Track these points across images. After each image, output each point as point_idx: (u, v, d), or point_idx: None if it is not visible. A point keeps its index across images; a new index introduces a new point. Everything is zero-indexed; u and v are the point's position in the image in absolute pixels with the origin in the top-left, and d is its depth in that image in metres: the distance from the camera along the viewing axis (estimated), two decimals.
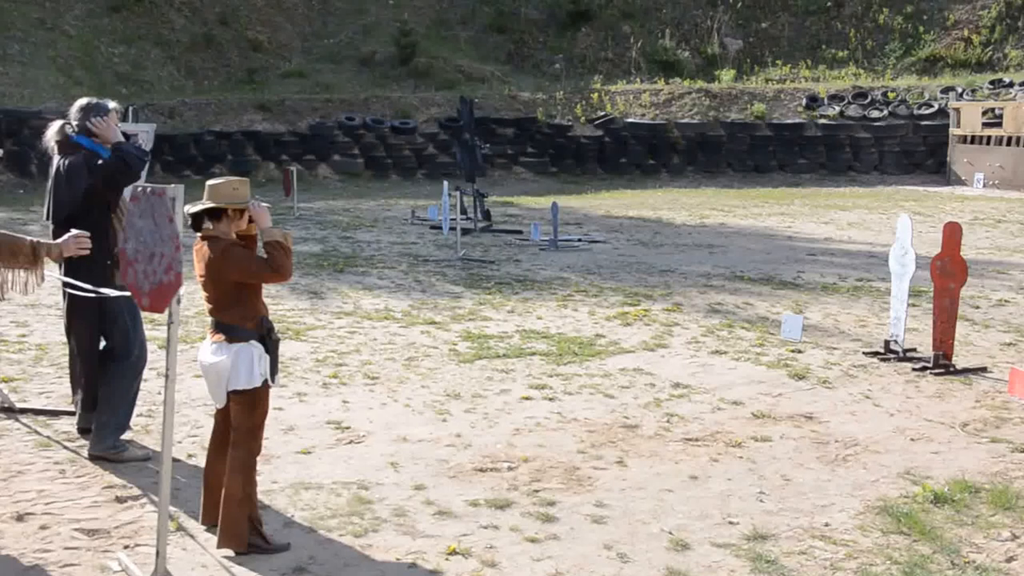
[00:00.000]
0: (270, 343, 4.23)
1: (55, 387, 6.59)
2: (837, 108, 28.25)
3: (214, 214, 4.20)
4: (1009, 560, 4.31)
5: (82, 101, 5.37)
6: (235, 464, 4.21)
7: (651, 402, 6.59)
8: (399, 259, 12.95)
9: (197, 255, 4.24)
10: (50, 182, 5.32)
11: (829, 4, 33.40)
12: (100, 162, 5.15)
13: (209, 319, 4.28)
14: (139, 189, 3.79)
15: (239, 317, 4.18)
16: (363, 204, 20.82)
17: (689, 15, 33.82)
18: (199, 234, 4.25)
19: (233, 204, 4.20)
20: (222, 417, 4.37)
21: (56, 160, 5.28)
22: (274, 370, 4.26)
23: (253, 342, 4.17)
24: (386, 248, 14.04)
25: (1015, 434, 6.02)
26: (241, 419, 4.23)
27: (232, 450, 4.24)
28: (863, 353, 7.94)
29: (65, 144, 5.27)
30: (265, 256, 4.16)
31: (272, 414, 6.01)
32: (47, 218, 5.36)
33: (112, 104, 5.40)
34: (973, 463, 5.51)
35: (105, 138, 5.25)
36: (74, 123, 5.29)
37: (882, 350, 7.89)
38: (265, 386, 4.24)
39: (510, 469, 5.30)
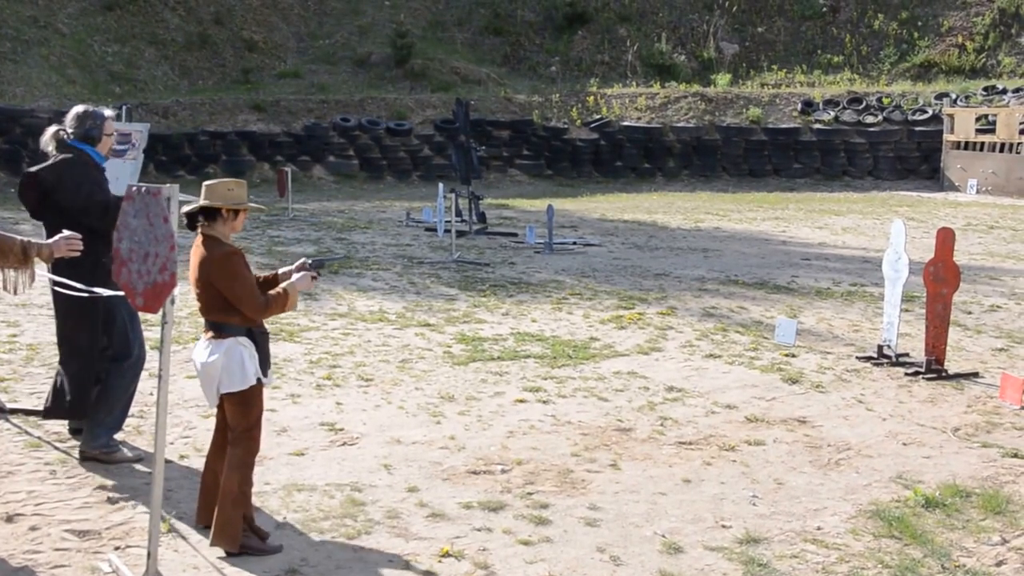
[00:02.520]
0: (258, 336, 4.23)
1: (46, 387, 6.55)
2: (832, 113, 28.35)
3: (209, 214, 4.21)
4: (999, 564, 4.32)
5: (79, 109, 5.32)
6: (233, 462, 4.21)
7: (645, 405, 6.59)
8: (393, 261, 12.95)
9: (192, 253, 4.24)
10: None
11: (825, 9, 33.52)
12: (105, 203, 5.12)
13: (202, 319, 4.28)
14: (134, 188, 3.78)
15: (228, 314, 4.19)
16: (358, 206, 20.81)
17: (685, 19, 33.89)
18: (199, 232, 4.26)
19: (228, 204, 4.20)
20: (222, 417, 4.37)
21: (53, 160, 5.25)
22: (266, 365, 4.26)
23: (241, 338, 4.17)
24: (381, 250, 14.03)
25: (1006, 439, 6.04)
26: (237, 419, 4.24)
27: (231, 448, 4.24)
28: (856, 358, 7.96)
29: (64, 146, 5.24)
30: (268, 292, 4.24)
31: (265, 416, 5.98)
32: (39, 217, 5.32)
33: (108, 112, 5.38)
34: (964, 468, 5.52)
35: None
36: (70, 130, 5.26)
37: (875, 355, 7.90)
38: (259, 384, 4.24)
39: (503, 472, 5.30)
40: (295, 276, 4.38)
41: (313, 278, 4.41)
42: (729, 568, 4.22)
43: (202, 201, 4.19)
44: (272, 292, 4.25)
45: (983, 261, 13.68)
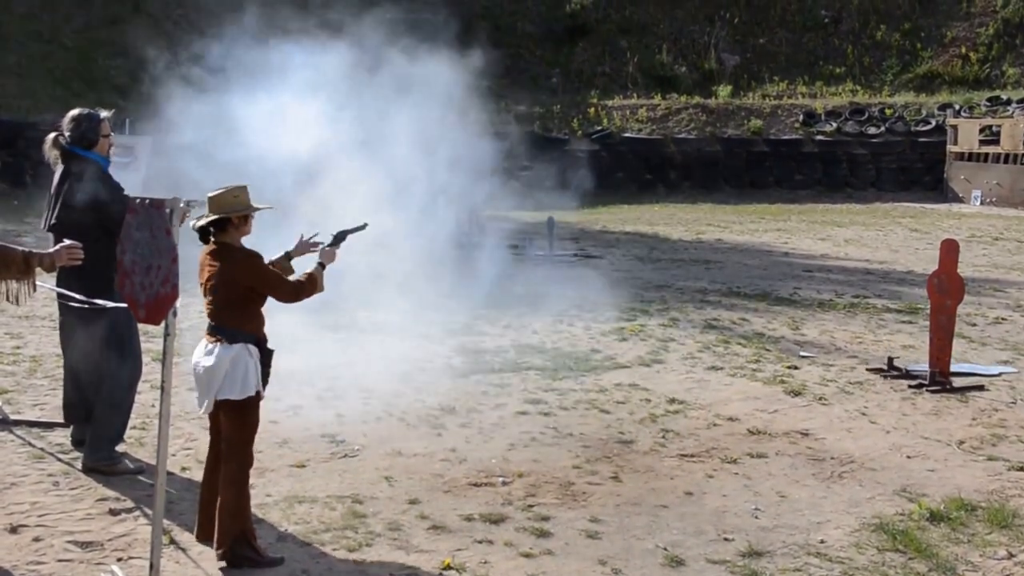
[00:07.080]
0: (266, 350, 4.25)
1: (49, 399, 6.56)
2: (834, 124, 28.35)
3: (219, 224, 4.23)
4: None
5: (73, 112, 5.33)
6: (228, 477, 4.20)
7: (646, 417, 6.58)
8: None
9: (204, 262, 4.26)
10: (52, 190, 5.29)
11: (827, 21, 33.57)
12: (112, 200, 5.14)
13: (207, 326, 4.29)
14: (137, 201, 3.79)
15: (240, 321, 4.20)
16: None
17: (687, 31, 33.96)
18: (210, 242, 4.27)
19: (236, 212, 4.23)
20: (217, 432, 4.37)
21: (61, 169, 5.26)
22: (265, 380, 4.27)
23: (250, 346, 4.18)
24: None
25: (1011, 452, 6.02)
26: (232, 432, 4.23)
27: (224, 464, 4.24)
28: (866, 370, 7.92)
29: (67, 153, 5.24)
30: (298, 278, 4.38)
31: (266, 427, 5.99)
32: (46, 228, 5.32)
33: (104, 113, 5.38)
34: (969, 481, 5.50)
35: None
36: (67, 135, 5.26)
37: (884, 367, 7.87)
38: (257, 396, 4.24)
39: (505, 484, 5.28)
40: (319, 254, 4.52)
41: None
42: None
43: (211, 216, 4.21)
44: (302, 277, 4.40)
45: (987, 273, 13.66)
